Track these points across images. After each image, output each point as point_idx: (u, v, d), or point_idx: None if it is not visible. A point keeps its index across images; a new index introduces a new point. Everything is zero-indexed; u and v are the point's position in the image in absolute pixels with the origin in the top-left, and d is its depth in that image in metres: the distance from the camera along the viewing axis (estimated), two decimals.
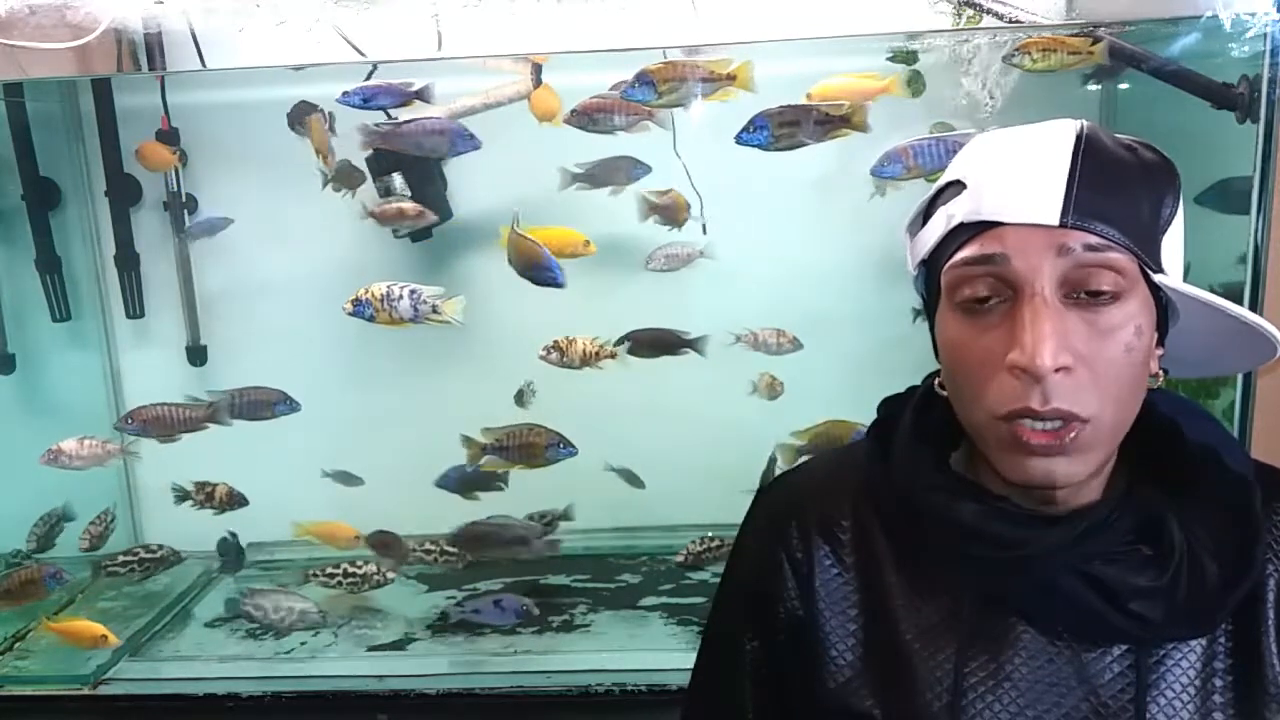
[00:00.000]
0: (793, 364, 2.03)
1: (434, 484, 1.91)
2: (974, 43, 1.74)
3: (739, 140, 1.69)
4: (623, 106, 1.72)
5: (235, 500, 1.97)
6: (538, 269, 1.73)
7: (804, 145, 1.69)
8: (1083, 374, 0.72)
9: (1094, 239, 0.71)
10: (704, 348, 1.92)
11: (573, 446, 1.82)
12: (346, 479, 2.05)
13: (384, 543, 1.95)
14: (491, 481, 1.90)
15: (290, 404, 1.85)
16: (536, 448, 1.81)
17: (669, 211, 1.95)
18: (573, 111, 1.75)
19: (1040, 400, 0.71)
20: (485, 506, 1.91)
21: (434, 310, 1.70)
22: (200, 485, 1.97)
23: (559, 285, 1.73)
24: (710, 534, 2.13)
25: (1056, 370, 0.70)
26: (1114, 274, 0.71)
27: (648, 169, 1.84)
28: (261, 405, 1.84)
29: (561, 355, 1.83)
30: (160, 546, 2.03)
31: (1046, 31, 1.58)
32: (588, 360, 1.84)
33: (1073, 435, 0.72)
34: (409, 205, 1.88)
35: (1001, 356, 0.73)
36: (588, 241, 1.79)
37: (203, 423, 1.83)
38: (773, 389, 2.06)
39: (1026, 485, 0.76)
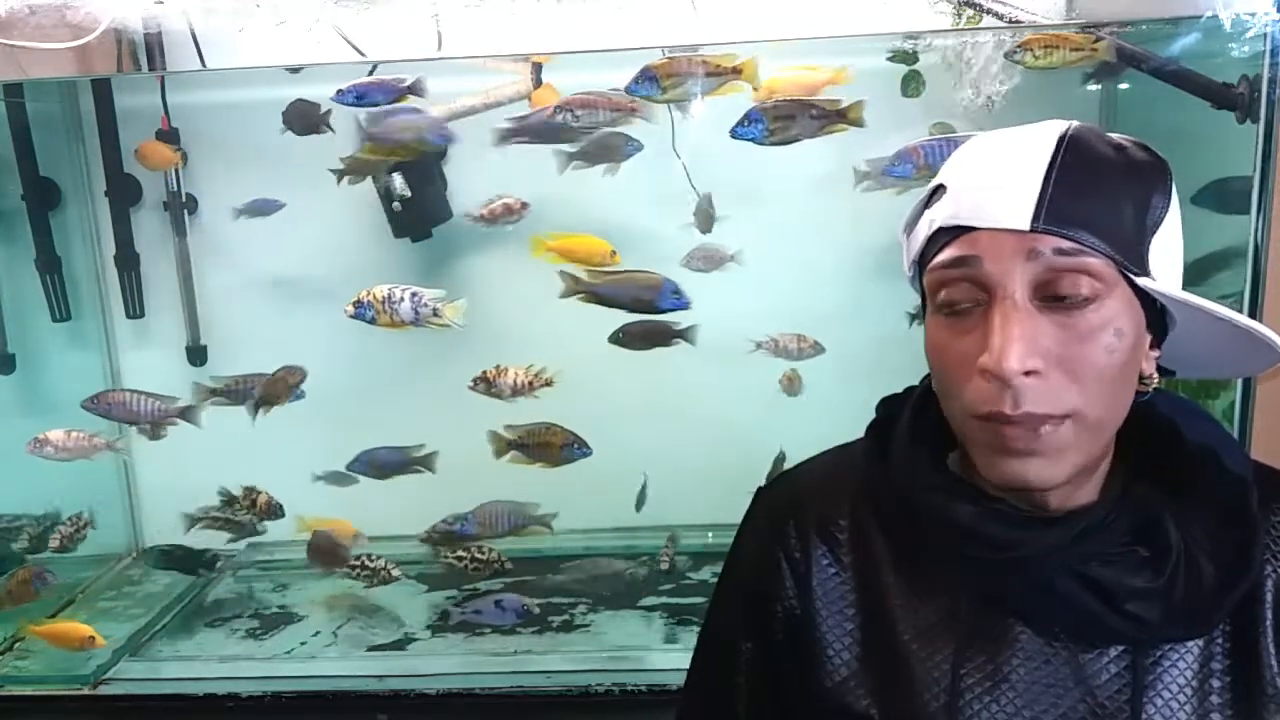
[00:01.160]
0: (793, 364, 2.03)
1: (345, 468, 1.90)
2: (974, 42, 1.74)
3: (734, 134, 1.68)
4: (606, 102, 1.71)
5: (273, 511, 1.97)
6: (662, 296, 1.71)
7: (799, 140, 1.68)
8: (1056, 377, 0.71)
9: (1065, 243, 0.71)
10: (694, 337, 1.91)
11: (588, 447, 1.82)
12: (339, 479, 2.04)
13: (326, 548, 1.94)
14: (409, 466, 1.88)
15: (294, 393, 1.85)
16: (553, 447, 1.81)
17: (703, 216, 1.98)
18: (556, 108, 1.73)
19: (1011, 404, 0.71)
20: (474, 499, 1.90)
21: (434, 313, 1.70)
22: (248, 491, 1.96)
23: (687, 308, 1.72)
24: (669, 535, 2.16)
25: (1026, 374, 0.71)
26: (1088, 278, 0.71)
27: (639, 145, 1.82)
28: None
29: (489, 386, 1.80)
30: (234, 510, 2.02)
31: (1046, 32, 1.58)
32: (519, 391, 1.81)
33: (1046, 428, 0.72)
34: (512, 200, 1.86)
35: (976, 359, 0.73)
36: (614, 251, 1.78)
37: (172, 418, 1.82)
38: (794, 385, 2.07)
39: (1003, 485, 0.76)
